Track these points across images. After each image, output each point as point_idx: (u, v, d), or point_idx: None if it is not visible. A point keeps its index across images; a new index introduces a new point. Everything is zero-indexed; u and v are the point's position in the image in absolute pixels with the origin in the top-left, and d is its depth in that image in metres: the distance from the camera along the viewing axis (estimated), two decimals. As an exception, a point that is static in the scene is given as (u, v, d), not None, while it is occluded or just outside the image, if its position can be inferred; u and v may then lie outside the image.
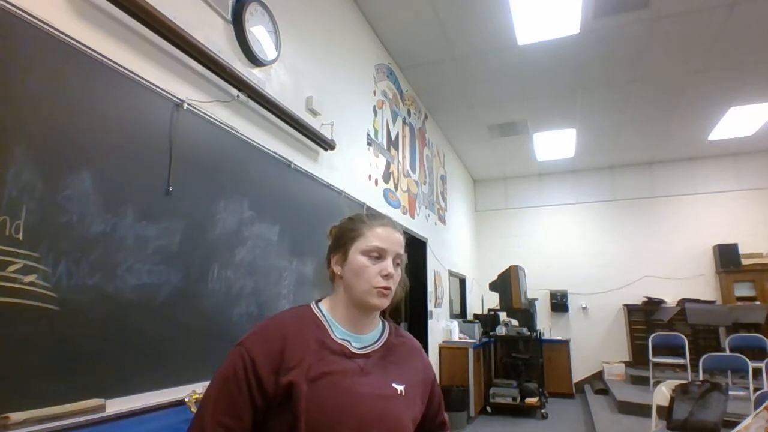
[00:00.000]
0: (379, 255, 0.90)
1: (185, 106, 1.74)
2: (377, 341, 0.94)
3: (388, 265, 0.90)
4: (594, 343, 6.93)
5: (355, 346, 0.90)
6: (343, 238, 0.94)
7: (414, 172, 4.80)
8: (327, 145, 2.77)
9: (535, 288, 7.09)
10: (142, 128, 1.56)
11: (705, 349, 5.56)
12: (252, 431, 0.80)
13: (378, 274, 0.89)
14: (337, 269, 0.94)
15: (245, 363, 0.80)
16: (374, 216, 0.98)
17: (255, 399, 0.79)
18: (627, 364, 6.48)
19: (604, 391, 5.99)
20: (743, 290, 6.24)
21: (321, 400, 0.79)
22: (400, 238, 0.95)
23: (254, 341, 0.83)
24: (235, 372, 0.80)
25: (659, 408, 2.90)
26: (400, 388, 0.90)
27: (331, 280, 0.97)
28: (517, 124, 5.71)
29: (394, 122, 4.28)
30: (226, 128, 1.99)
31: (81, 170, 1.33)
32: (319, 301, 0.96)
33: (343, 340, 0.89)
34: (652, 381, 5.21)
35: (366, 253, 0.90)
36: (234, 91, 2.04)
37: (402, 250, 0.94)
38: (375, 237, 0.91)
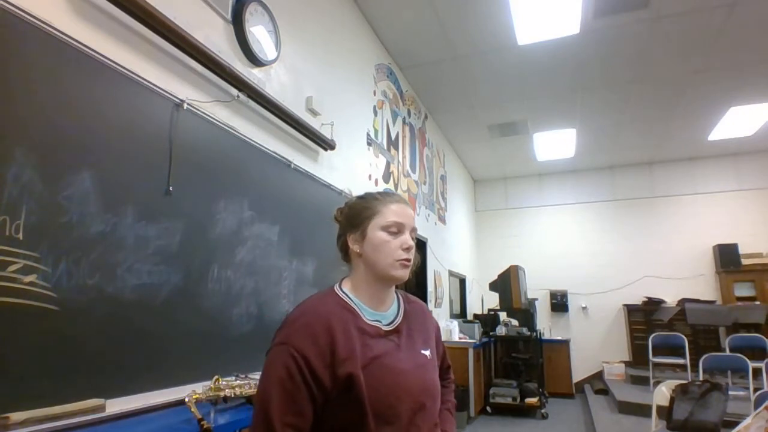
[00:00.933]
0: (398, 230, 0.94)
1: (185, 106, 1.74)
2: (398, 314, 0.98)
3: (407, 238, 0.95)
4: (594, 343, 6.93)
5: (384, 324, 0.94)
6: (358, 216, 0.97)
7: (414, 172, 4.80)
8: (327, 145, 2.77)
9: (535, 288, 7.08)
10: (142, 128, 1.56)
11: (705, 349, 5.56)
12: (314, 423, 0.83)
13: (399, 248, 0.93)
14: (356, 247, 0.96)
15: (298, 362, 0.80)
16: (385, 193, 1.01)
17: (315, 395, 0.81)
18: (627, 364, 6.48)
19: (604, 391, 5.99)
20: (743, 290, 6.24)
21: (376, 383, 0.83)
22: (413, 213, 1.00)
23: (301, 338, 0.83)
24: (290, 373, 0.80)
25: (659, 408, 2.89)
26: (427, 353, 0.97)
27: (345, 260, 1.00)
28: (517, 124, 5.71)
29: (394, 122, 4.28)
30: (226, 128, 1.99)
31: (81, 170, 1.33)
32: (341, 284, 0.98)
33: (374, 321, 0.93)
34: (652, 381, 5.20)
35: (385, 228, 0.94)
36: (234, 91, 2.04)
37: (415, 224, 0.99)
38: (392, 213, 0.95)
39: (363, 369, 0.83)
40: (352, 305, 0.92)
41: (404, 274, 0.94)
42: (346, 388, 0.81)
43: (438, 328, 1.11)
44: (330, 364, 0.82)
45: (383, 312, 0.96)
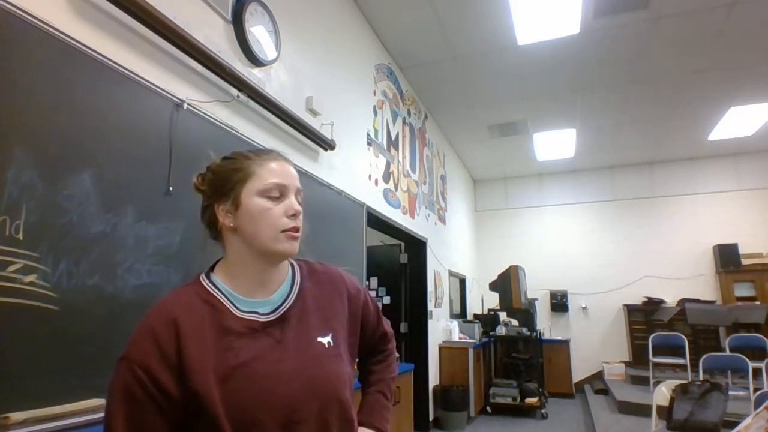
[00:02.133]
0: (280, 193, 0.78)
1: (185, 106, 1.74)
2: (289, 296, 0.81)
3: (293, 202, 0.78)
4: (594, 343, 6.92)
5: (264, 313, 0.76)
6: (227, 182, 0.79)
7: (414, 172, 4.80)
8: (327, 145, 2.77)
9: (535, 288, 7.08)
10: (142, 128, 1.56)
11: (705, 349, 5.55)
12: None
13: (283, 215, 0.77)
14: (227, 221, 0.78)
15: (140, 378, 0.66)
16: (260, 150, 0.84)
17: (165, 412, 0.66)
18: (627, 364, 6.47)
19: (604, 391, 5.99)
20: (743, 290, 6.24)
21: (240, 398, 0.68)
22: (295, 171, 0.82)
23: (142, 348, 0.68)
24: (131, 395, 0.66)
25: (659, 408, 2.89)
26: (326, 339, 0.79)
27: (216, 238, 0.83)
28: (517, 124, 5.71)
29: (394, 122, 4.28)
30: (226, 128, 1.99)
31: (81, 170, 1.33)
32: (212, 269, 0.82)
33: (250, 312, 0.75)
34: (652, 381, 5.20)
35: (264, 193, 0.77)
36: (234, 91, 2.04)
37: (300, 185, 0.82)
38: (271, 173, 0.78)
39: (222, 382, 0.68)
40: (218, 297, 0.76)
41: (292, 247, 0.77)
42: (199, 405, 0.66)
43: (356, 298, 0.90)
44: (177, 374, 0.67)
45: (265, 298, 0.78)
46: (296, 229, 0.78)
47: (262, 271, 0.79)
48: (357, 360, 0.92)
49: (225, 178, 0.80)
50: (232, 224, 0.78)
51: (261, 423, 0.68)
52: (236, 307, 0.76)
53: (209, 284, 0.78)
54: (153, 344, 0.68)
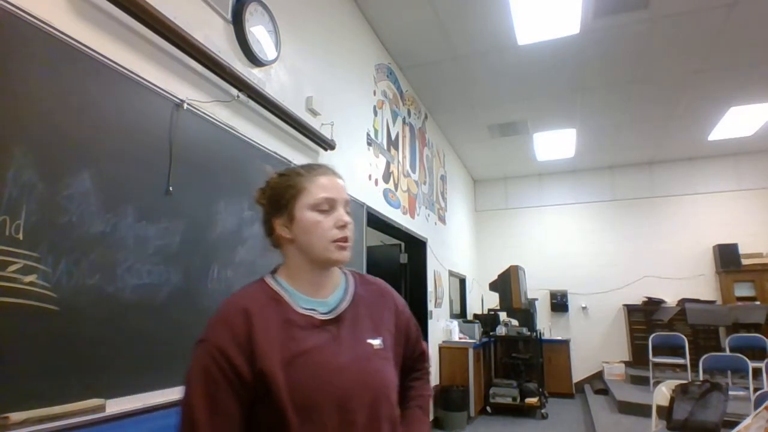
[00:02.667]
0: (329, 206, 0.85)
1: (185, 106, 1.74)
2: (343, 300, 0.89)
3: (341, 214, 0.85)
4: (594, 343, 6.93)
5: (321, 312, 0.85)
6: (282, 197, 0.86)
7: (414, 172, 4.80)
8: (327, 145, 2.77)
9: (535, 288, 7.08)
10: (142, 128, 1.56)
11: (705, 349, 5.56)
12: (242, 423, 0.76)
13: (333, 227, 0.84)
14: (284, 232, 0.86)
15: (217, 359, 0.74)
16: (311, 166, 0.91)
17: (240, 394, 0.75)
18: (627, 364, 6.48)
19: (604, 391, 5.99)
20: (743, 290, 6.24)
21: (301, 382, 0.76)
22: (344, 184, 0.89)
23: (218, 332, 0.77)
24: (209, 374, 0.74)
25: (659, 408, 2.90)
26: (376, 342, 0.87)
27: (276, 246, 0.90)
28: (517, 124, 5.71)
29: (394, 122, 4.28)
30: (226, 128, 1.99)
31: (81, 170, 1.33)
32: (275, 271, 0.90)
33: (309, 309, 0.84)
34: (652, 381, 5.20)
35: (315, 207, 0.84)
36: (234, 91, 2.04)
37: (348, 197, 0.90)
38: (320, 188, 0.85)
39: (286, 366, 0.76)
40: (282, 294, 0.84)
41: (343, 255, 0.85)
42: (266, 385, 0.75)
43: (403, 313, 0.98)
44: (248, 357, 0.75)
45: (323, 299, 0.87)
46: (345, 239, 0.85)
47: (317, 276, 0.87)
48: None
49: (280, 194, 0.87)
50: (288, 236, 0.87)
51: (319, 405, 0.76)
52: (297, 303, 0.84)
53: (273, 282, 0.87)
54: (227, 330, 0.77)
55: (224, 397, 0.73)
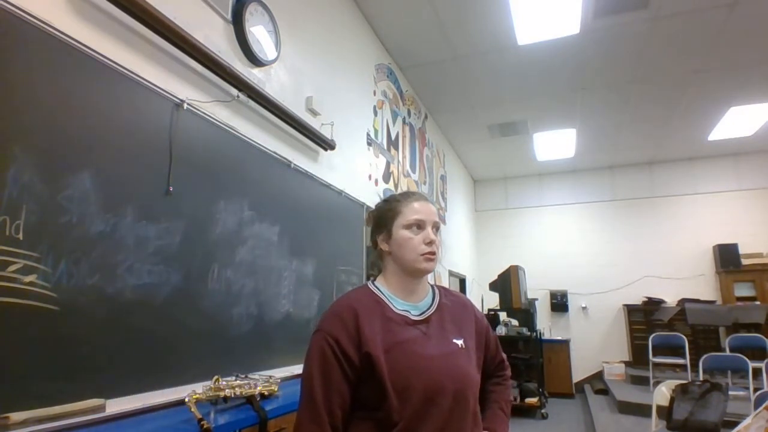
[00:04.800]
0: (419, 226, 1.02)
1: (185, 106, 1.74)
2: (431, 306, 1.06)
3: (429, 233, 1.02)
4: (594, 343, 6.93)
5: (414, 314, 1.01)
6: (384, 218, 1.06)
7: (414, 172, 4.80)
8: (327, 145, 2.77)
9: (535, 288, 7.08)
10: (142, 128, 1.56)
11: (705, 349, 5.56)
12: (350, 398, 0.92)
13: (422, 243, 1.01)
14: (384, 246, 1.06)
15: (331, 344, 0.91)
16: (407, 194, 1.09)
17: (348, 374, 0.91)
18: (627, 364, 6.48)
19: (604, 391, 5.99)
20: (743, 290, 6.24)
21: (398, 365, 0.91)
22: (434, 209, 1.07)
23: (332, 324, 0.94)
24: (325, 355, 0.91)
25: (659, 408, 2.89)
26: (459, 342, 1.02)
27: (379, 258, 1.09)
28: (517, 124, 5.71)
29: (394, 122, 4.27)
30: (226, 128, 1.99)
31: (81, 170, 1.33)
32: (374, 280, 1.08)
33: (403, 311, 1.01)
34: (652, 381, 5.20)
35: (408, 227, 1.02)
36: (234, 91, 2.04)
37: (437, 218, 1.06)
38: (412, 211, 1.03)
39: (386, 352, 0.92)
40: (381, 297, 1.02)
41: (430, 266, 1.02)
42: (370, 367, 0.90)
43: (481, 322, 1.13)
44: (357, 344, 0.92)
45: (415, 303, 1.04)
46: (432, 253, 1.02)
47: (409, 283, 1.05)
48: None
49: (382, 216, 1.08)
50: (387, 249, 1.06)
51: (413, 387, 0.90)
52: (393, 305, 1.01)
53: (374, 288, 1.05)
54: (339, 322, 0.94)
55: (336, 375, 0.90)
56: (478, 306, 6.86)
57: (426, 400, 0.91)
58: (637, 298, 6.77)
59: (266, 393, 1.61)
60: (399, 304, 1.02)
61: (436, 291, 1.12)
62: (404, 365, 0.92)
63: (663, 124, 5.74)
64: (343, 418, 0.91)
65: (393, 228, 1.04)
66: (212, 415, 1.40)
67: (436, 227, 1.06)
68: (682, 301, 6.29)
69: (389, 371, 0.90)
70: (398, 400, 0.89)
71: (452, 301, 1.11)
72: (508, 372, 1.21)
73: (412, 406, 0.90)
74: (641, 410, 4.55)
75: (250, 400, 1.53)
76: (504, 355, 1.20)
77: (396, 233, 1.03)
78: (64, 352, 1.24)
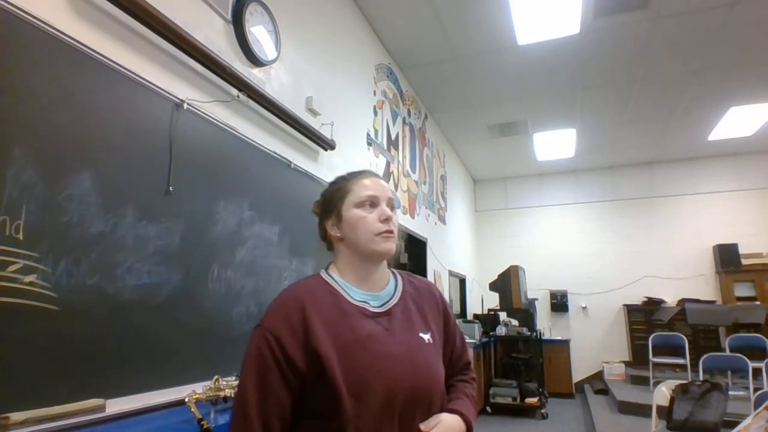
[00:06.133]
0: (372, 203, 0.91)
1: (185, 106, 1.74)
2: (394, 295, 0.94)
3: (383, 209, 0.91)
4: (594, 343, 6.93)
5: (374, 305, 0.90)
6: (331, 201, 0.95)
7: (414, 172, 4.80)
8: (327, 145, 2.77)
9: (535, 288, 7.09)
10: (142, 128, 1.56)
11: (705, 349, 5.56)
12: (293, 409, 0.81)
13: (377, 220, 0.90)
14: (334, 231, 0.94)
15: (271, 344, 0.80)
16: (355, 172, 0.98)
17: (289, 379, 0.79)
18: (627, 364, 6.48)
19: (604, 391, 5.99)
20: (743, 290, 6.24)
21: (354, 365, 0.80)
22: (387, 185, 0.96)
23: (274, 319, 0.83)
24: (262, 355, 0.79)
25: (659, 408, 2.89)
26: (426, 336, 0.92)
27: (330, 248, 0.98)
28: (517, 124, 5.71)
29: (394, 122, 4.27)
30: (226, 128, 1.99)
31: (81, 170, 1.33)
32: (327, 268, 0.96)
33: (361, 302, 0.89)
34: (652, 381, 5.21)
35: (359, 205, 0.91)
36: (234, 91, 2.04)
37: (392, 195, 0.95)
38: (363, 188, 0.92)
39: (340, 350, 0.81)
40: (336, 287, 0.90)
41: (388, 246, 0.90)
42: (319, 369, 0.79)
43: (448, 312, 1.03)
44: (303, 343, 0.80)
45: (375, 293, 0.92)
46: (389, 231, 0.90)
47: (366, 270, 0.92)
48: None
49: (330, 199, 0.96)
50: (338, 234, 0.93)
51: (371, 390, 0.79)
52: (350, 295, 0.89)
53: (327, 276, 0.93)
54: (283, 318, 0.82)
55: (274, 380, 0.79)
56: (477, 306, 6.87)
57: (387, 405, 0.80)
58: (637, 298, 6.77)
59: (266, 393, 1.61)
60: (356, 294, 0.90)
61: (399, 278, 1.00)
62: (362, 365, 0.80)
63: (663, 124, 5.74)
64: (283, 430, 0.80)
65: (342, 209, 0.92)
66: (212, 415, 1.40)
67: (391, 205, 0.94)
68: (682, 301, 6.29)
69: (343, 373, 0.79)
70: (354, 406, 0.77)
71: (417, 288, 0.99)
72: (474, 375, 1.08)
73: (371, 413, 0.78)
74: (641, 410, 4.55)
75: (250, 400, 1.53)
76: (470, 359, 1.08)
77: (347, 214, 0.91)
78: (64, 352, 1.24)
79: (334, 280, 0.91)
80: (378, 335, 0.85)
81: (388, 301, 0.92)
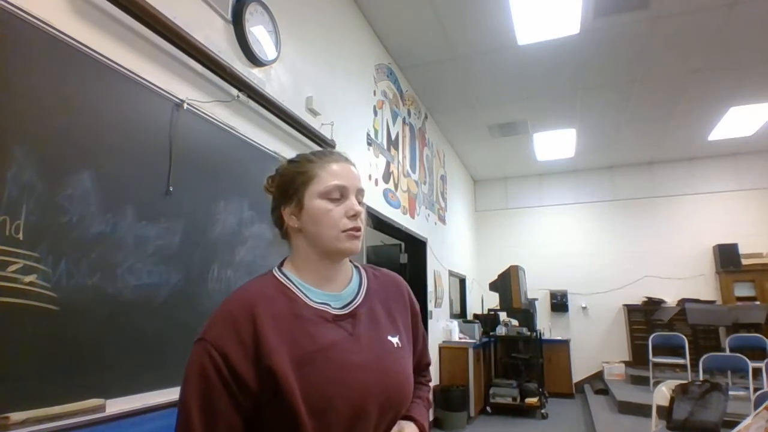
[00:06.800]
0: (340, 194, 0.80)
1: (185, 106, 1.74)
2: (358, 294, 0.84)
3: (353, 203, 0.80)
4: (594, 343, 6.92)
5: (335, 307, 0.79)
6: (292, 184, 0.81)
7: (414, 172, 4.80)
8: (327, 145, 2.77)
9: (535, 288, 7.08)
10: (142, 128, 1.56)
11: (705, 349, 5.55)
12: (246, 429, 0.71)
13: (344, 216, 0.79)
14: (292, 221, 0.81)
15: (216, 361, 0.68)
16: (323, 152, 0.86)
17: (239, 401, 0.68)
18: (627, 364, 6.48)
19: (604, 391, 5.99)
20: (743, 290, 6.24)
21: (316, 381, 0.70)
22: (358, 172, 0.85)
23: (219, 331, 0.70)
24: (207, 377, 0.67)
25: (659, 408, 2.89)
26: (395, 339, 0.82)
27: (285, 237, 0.86)
28: (517, 124, 5.71)
29: (394, 122, 4.27)
30: (226, 128, 1.99)
31: (81, 170, 1.33)
32: (281, 265, 0.84)
33: (321, 304, 0.78)
34: (652, 381, 5.20)
35: (325, 195, 0.79)
36: (234, 91, 2.04)
37: (361, 185, 0.84)
38: (332, 175, 0.80)
39: (299, 364, 0.70)
40: (292, 288, 0.78)
41: (354, 246, 0.79)
42: (275, 387, 0.68)
43: (415, 308, 0.94)
44: (255, 358, 0.69)
45: (336, 292, 0.81)
46: (357, 229, 0.79)
47: (326, 268, 0.82)
48: None
49: (289, 182, 0.82)
50: (296, 225, 0.81)
51: (336, 407, 0.70)
52: (308, 297, 0.78)
53: (282, 276, 0.81)
54: (230, 328, 0.70)
55: (222, 403, 0.68)
56: (477, 306, 6.87)
57: (353, 422, 0.71)
58: (637, 298, 6.77)
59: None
60: (315, 296, 0.79)
61: (363, 273, 0.89)
62: (324, 380, 0.70)
63: (663, 124, 5.74)
64: None
65: (305, 197, 0.79)
66: (212, 415, 1.40)
67: (360, 197, 0.83)
68: (682, 301, 6.29)
69: (303, 389, 0.68)
70: (315, 425, 0.68)
71: (383, 285, 0.89)
72: (430, 377, 1.01)
73: (333, 430, 0.70)
74: (641, 410, 4.55)
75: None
76: (430, 359, 1.01)
77: (309, 204, 0.79)
78: (64, 352, 1.24)
79: (289, 280, 0.80)
80: (341, 343, 0.75)
81: (351, 302, 0.82)
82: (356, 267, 0.90)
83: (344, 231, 0.78)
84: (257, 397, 0.69)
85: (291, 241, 0.85)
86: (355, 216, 0.80)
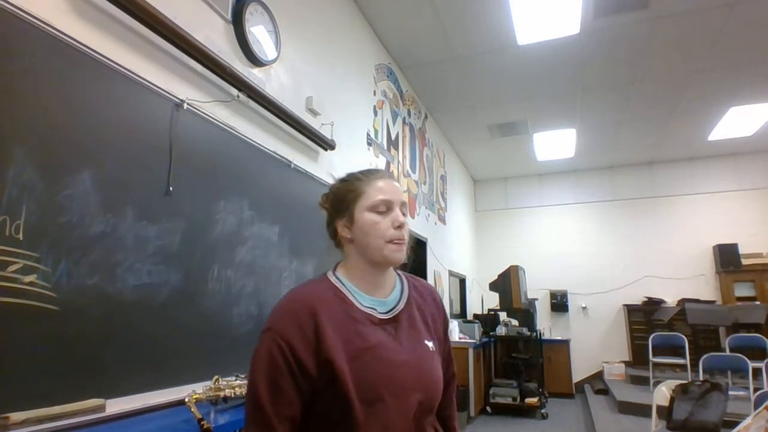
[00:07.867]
0: (386, 208, 0.89)
1: (185, 106, 1.74)
2: (400, 300, 0.93)
3: (397, 214, 0.90)
4: (594, 343, 6.92)
5: (381, 311, 0.89)
6: (344, 200, 0.92)
7: (414, 172, 4.80)
8: (327, 145, 2.77)
9: (535, 288, 7.08)
10: (142, 128, 1.56)
11: (705, 349, 5.56)
12: (305, 411, 0.81)
13: (390, 227, 0.88)
14: (345, 233, 0.92)
15: (282, 348, 0.78)
16: (369, 171, 0.95)
17: (301, 386, 0.79)
18: (627, 364, 6.48)
19: (604, 391, 5.99)
20: (743, 290, 6.24)
21: (366, 375, 0.80)
22: (400, 187, 0.94)
23: (285, 324, 0.81)
24: (275, 361, 0.78)
25: (659, 408, 2.89)
26: (430, 344, 0.92)
27: (338, 247, 0.96)
28: (517, 124, 5.71)
29: (394, 122, 4.27)
30: (226, 128, 1.99)
31: (81, 170, 1.33)
32: (335, 269, 0.94)
33: (369, 308, 0.88)
34: (652, 381, 5.20)
35: (373, 209, 0.89)
36: (234, 91, 2.04)
37: (404, 198, 0.94)
38: (378, 191, 0.90)
39: (352, 359, 0.80)
40: (344, 291, 0.88)
41: (400, 255, 0.88)
42: (331, 378, 0.78)
43: (447, 319, 1.03)
44: (315, 350, 0.79)
45: (382, 298, 0.91)
46: (401, 239, 0.89)
47: (375, 275, 0.91)
48: None
49: (342, 198, 0.93)
50: (349, 236, 0.91)
51: (383, 398, 0.79)
52: (358, 301, 0.88)
53: (336, 280, 0.91)
54: (294, 324, 0.80)
55: (287, 385, 0.78)
56: (477, 306, 6.87)
57: (396, 413, 0.81)
58: (637, 298, 6.77)
59: (266, 393, 1.61)
60: (365, 301, 0.89)
61: (405, 282, 0.98)
62: (372, 374, 0.80)
63: (663, 124, 5.74)
64: (293, 430, 0.80)
65: (355, 211, 0.90)
66: (212, 415, 1.40)
67: (404, 210, 0.93)
68: (682, 301, 6.29)
69: (356, 382, 0.78)
70: (365, 414, 0.78)
71: (421, 294, 0.99)
72: (455, 387, 1.08)
73: (380, 421, 0.79)
74: (641, 410, 4.55)
75: (250, 400, 1.53)
76: (455, 370, 1.08)
77: (359, 217, 0.89)
78: (64, 352, 1.24)
79: (342, 284, 0.90)
80: (386, 343, 0.85)
81: (394, 307, 0.91)
82: (399, 275, 0.99)
83: (389, 241, 0.87)
84: (315, 383, 0.79)
85: (344, 250, 0.95)
86: (399, 227, 0.89)
